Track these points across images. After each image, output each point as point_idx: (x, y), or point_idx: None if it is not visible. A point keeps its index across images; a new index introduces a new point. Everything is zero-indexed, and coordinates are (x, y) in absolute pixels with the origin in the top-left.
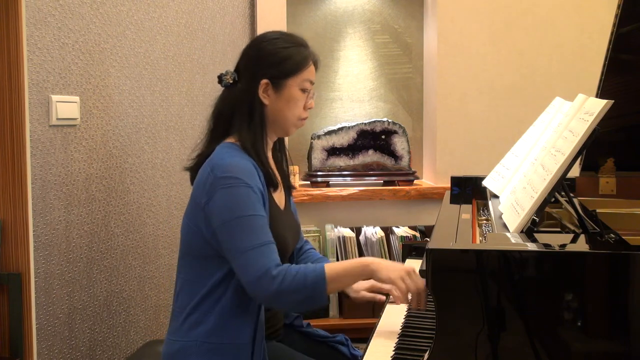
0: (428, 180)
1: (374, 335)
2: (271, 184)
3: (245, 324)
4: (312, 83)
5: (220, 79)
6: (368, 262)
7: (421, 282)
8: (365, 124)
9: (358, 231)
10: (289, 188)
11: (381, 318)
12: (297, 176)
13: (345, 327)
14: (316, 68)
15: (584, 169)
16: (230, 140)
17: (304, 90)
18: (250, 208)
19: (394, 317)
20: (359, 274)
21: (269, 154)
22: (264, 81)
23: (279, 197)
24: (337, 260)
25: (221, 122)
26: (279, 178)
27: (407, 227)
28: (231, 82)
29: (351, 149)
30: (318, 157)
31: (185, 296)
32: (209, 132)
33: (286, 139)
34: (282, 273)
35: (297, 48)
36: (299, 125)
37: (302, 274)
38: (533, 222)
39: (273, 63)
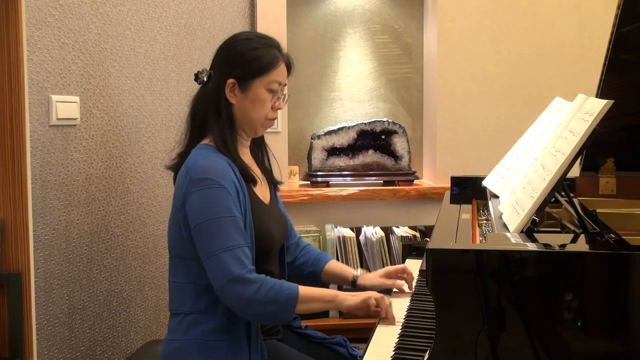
0: (428, 180)
1: (374, 335)
2: (249, 180)
3: (240, 320)
4: (280, 84)
5: (197, 76)
6: (335, 294)
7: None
8: (365, 124)
9: (358, 231)
10: (274, 183)
11: (381, 318)
12: (297, 176)
13: (345, 328)
14: (289, 70)
15: (584, 169)
16: (205, 141)
17: (270, 91)
18: (224, 210)
19: (395, 313)
20: (328, 301)
21: (246, 151)
22: (230, 81)
23: (263, 192)
24: (337, 261)
25: (197, 121)
26: (258, 174)
27: (407, 227)
28: (205, 79)
29: (351, 149)
30: (318, 157)
31: (179, 298)
32: (187, 131)
33: (283, 138)
34: (260, 282)
35: (267, 49)
36: (267, 125)
37: (277, 288)
38: (533, 222)
39: (240, 63)
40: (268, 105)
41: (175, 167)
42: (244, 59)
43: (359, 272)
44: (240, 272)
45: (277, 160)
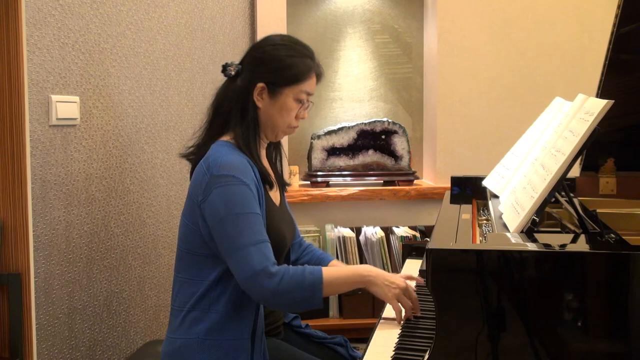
0: (428, 180)
1: (374, 335)
2: (266, 182)
3: (245, 319)
4: (309, 94)
5: (225, 68)
6: (366, 272)
7: (415, 298)
8: (365, 124)
9: (358, 231)
10: (283, 185)
11: (381, 318)
12: (297, 176)
13: (345, 328)
14: (318, 80)
15: (584, 169)
16: (225, 138)
17: (298, 101)
18: (247, 205)
19: (394, 316)
20: (356, 282)
21: (263, 153)
22: (260, 84)
23: (274, 193)
24: (338, 260)
25: (219, 115)
26: (272, 176)
27: (407, 227)
28: (233, 74)
29: (351, 149)
30: (318, 157)
31: (184, 295)
32: (207, 123)
33: (284, 138)
34: (281, 272)
35: (301, 59)
36: (288, 132)
37: (300, 275)
38: (533, 222)
39: (273, 69)
40: (293, 114)
41: (190, 156)
42: (279, 66)
43: None
44: (263, 265)
45: (287, 162)
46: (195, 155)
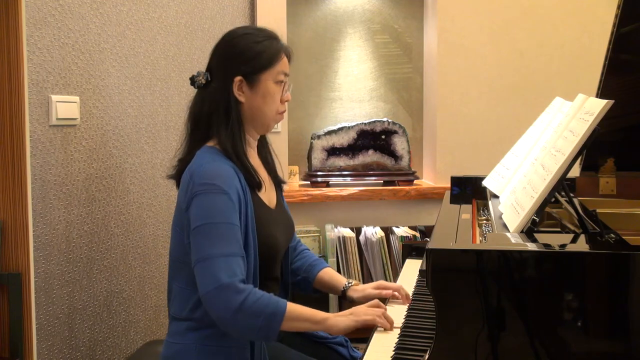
0: (428, 180)
1: (374, 335)
2: (254, 185)
3: None
4: (286, 75)
5: (193, 80)
6: (326, 316)
7: (378, 308)
8: (365, 124)
9: (358, 231)
10: (279, 184)
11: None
12: (297, 176)
13: None
14: (289, 60)
15: (584, 169)
16: (210, 143)
17: (279, 83)
18: (225, 216)
19: (394, 317)
20: (316, 323)
21: (253, 153)
22: (238, 78)
23: (269, 196)
24: (337, 261)
25: (200, 125)
26: (263, 176)
27: (407, 227)
28: (204, 82)
29: (351, 149)
30: (318, 157)
31: (179, 303)
32: (188, 136)
33: (283, 138)
34: (248, 291)
35: (268, 41)
36: (278, 119)
37: (265, 300)
38: (533, 222)
39: (245, 59)
40: (278, 97)
41: (177, 175)
42: (249, 55)
43: (351, 282)
44: (230, 280)
45: (278, 160)
46: (179, 172)
